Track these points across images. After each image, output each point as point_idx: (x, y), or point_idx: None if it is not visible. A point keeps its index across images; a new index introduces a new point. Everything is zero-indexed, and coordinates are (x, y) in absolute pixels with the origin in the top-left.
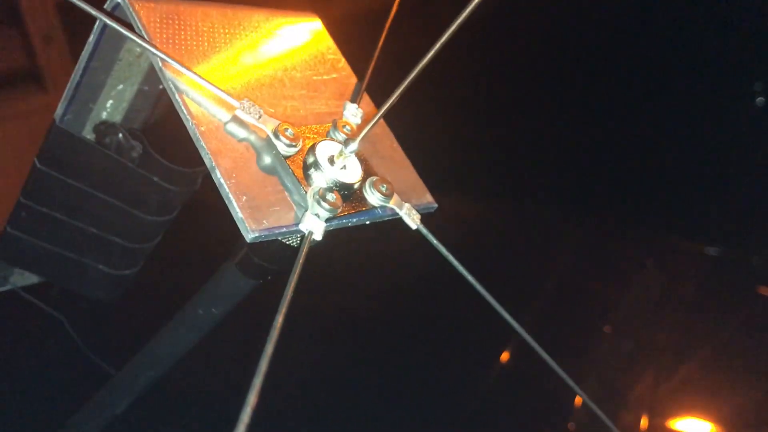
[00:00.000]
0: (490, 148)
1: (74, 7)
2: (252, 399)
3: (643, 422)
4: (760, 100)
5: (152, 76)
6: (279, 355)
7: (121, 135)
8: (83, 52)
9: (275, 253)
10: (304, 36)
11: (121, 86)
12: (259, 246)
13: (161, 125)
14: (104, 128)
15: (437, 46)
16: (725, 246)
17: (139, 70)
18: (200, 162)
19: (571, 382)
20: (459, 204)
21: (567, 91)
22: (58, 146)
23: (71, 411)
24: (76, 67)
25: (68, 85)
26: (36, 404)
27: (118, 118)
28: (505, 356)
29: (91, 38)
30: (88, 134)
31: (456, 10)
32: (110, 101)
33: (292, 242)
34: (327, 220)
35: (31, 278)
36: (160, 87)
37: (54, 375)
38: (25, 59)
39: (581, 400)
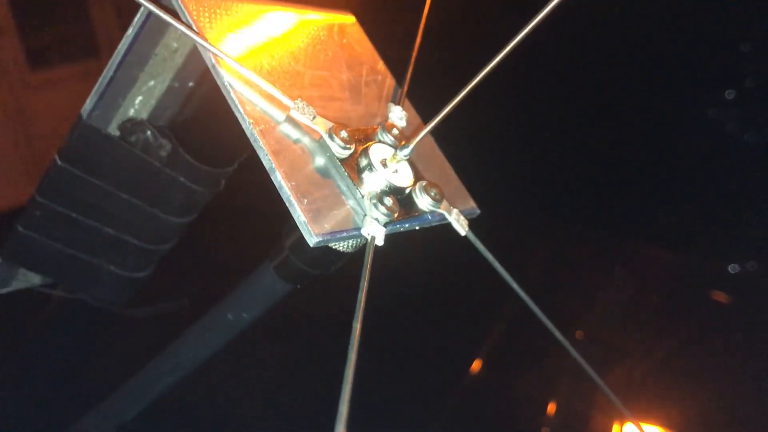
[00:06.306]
0: (455, 152)
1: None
2: (343, 409)
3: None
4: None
5: (183, 72)
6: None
7: (149, 133)
8: (120, 46)
9: (316, 257)
10: (344, 36)
11: (152, 82)
12: (300, 249)
13: (188, 124)
14: (131, 126)
15: (498, 57)
16: (683, 251)
17: (172, 66)
18: (225, 163)
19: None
20: None
21: (535, 95)
22: (82, 143)
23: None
24: (111, 60)
25: (100, 79)
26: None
27: (144, 115)
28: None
29: (130, 31)
30: (114, 131)
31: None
32: (139, 97)
33: (340, 247)
34: (384, 225)
35: (34, 279)
36: (190, 84)
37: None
38: None
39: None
